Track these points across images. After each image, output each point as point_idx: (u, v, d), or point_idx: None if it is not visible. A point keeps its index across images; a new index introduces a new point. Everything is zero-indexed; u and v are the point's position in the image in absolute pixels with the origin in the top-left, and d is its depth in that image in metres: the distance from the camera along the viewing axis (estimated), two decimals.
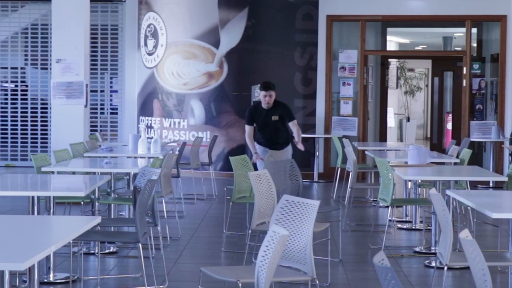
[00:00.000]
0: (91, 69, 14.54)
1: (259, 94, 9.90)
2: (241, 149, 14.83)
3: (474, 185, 11.80)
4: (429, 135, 23.57)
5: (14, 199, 10.41)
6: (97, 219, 4.77)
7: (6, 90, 16.84)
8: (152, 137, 10.06)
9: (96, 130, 15.75)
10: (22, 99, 16.76)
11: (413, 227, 9.65)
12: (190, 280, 7.05)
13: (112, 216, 8.04)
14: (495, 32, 15.67)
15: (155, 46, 15.40)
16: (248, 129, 10.11)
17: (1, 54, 16.76)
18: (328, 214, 10.59)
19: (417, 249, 8.37)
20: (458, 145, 11.50)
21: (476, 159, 14.66)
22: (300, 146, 9.90)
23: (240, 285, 4.60)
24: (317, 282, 4.77)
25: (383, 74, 16.96)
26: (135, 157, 9.47)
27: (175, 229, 9.26)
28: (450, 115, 19.19)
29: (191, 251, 7.97)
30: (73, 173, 8.10)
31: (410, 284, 6.90)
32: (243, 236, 8.95)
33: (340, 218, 9.29)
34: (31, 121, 16.73)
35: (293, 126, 10.00)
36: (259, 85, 15.10)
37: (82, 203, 8.84)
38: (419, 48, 22.47)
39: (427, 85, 25.45)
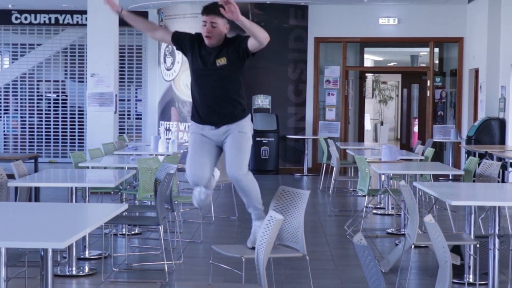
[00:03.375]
0: (120, 81, 14.54)
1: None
2: None
3: (436, 178, 11.80)
4: (399, 137, 23.56)
5: (56, 189, 10.41)
6: (125, 206, 4.77)
7: (49, 99, 16.84)
8: (170, 138, 10.07)
9: (123, 132, 15.76)
10: (62, 107, 16.76)
11: (386, 213, 9.66)
12: (202, 256, 7.05)
13: (137, 203, 8.04)
14: (454, 51, 15.68)
15: (173, 63, 15.39)
16: (166, 29, 5.68)
17: (45, 69, 16.76)
18: (316, 202, 10.61)
19: (389, 230, 8.37)
20: (423, 145, 11.50)
21: (438, 157, 14.66)
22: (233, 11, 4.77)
23: (243, 260, 4.61)
24: (308, 258, 4.78)
25: (361, 86, 16.97)
26: (156, 155, 9.46)
27: (189, 214, 9.26)
28: (417, 120, 19.18)
29: (203, 232, 7.98)
30: (105, 168, 8.10)
31: (379, 260, 6.90)
32: (248, 219, 8.96)
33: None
34: (70, 125, 16.73)
35: (251, 40, 5.20)
36: (259, 94, 15.17)
37: (112, 192, 8.85)
38: (391, 64, 22.48)
39: (397, 95, 25.45)
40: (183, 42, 5.23)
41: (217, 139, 5.18)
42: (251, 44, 5.07)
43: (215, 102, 5.13)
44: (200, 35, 5.17)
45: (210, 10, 5.01)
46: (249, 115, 5.32)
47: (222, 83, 5.10)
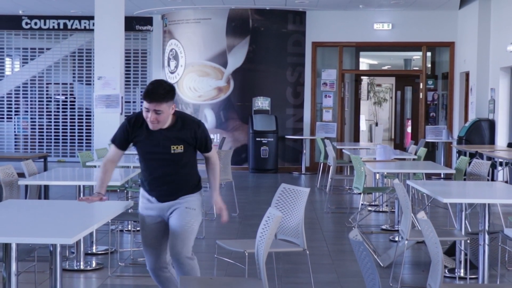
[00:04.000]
0: (125, 84, 14.53)
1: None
2: (244, 148, 14.84)
3: (428, 176, 11.80)
4: (393, 137, 23.56)
5: (64, 187, 10.41)
6: (130, 203, 4.76)
7: (58, 101, 16.84)
8: None
9: None
10: (70, 108, 16.75)
11: (381, 210, 9.66)
12: (205, 252, 7.04)
13: None
14: (445, 55, 15.68)
15: (176, 66, 15.40)
16: (112, 151, 4.49)
17: (54, 73, 16.76)
18: (313, 199, 10.61)
19: (384, 227, 8.37)
20: (416, 145, 11.51)
21: (430, 156, 14.67)
22: (223, 215, 4.62)
23: (246, 254, 4.61)
24: (307, 252, 4.78)
25: (356, 89, 16.97)
26: None
27: None
28: (410, 121, 19.18)
29: (205, 229, 7.97)
30: None
31: (378, 255, 6.89)
32: (249, 215, 8.95)
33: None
34: (78, 125, 16.73)
35: (209, 159, 4.58)
36: (258, 96, 15.17)
37: (118, 190, 8.84)
38: (385, 67, 22.48)
39: (391, 97, 25.45)
40: (128, 139, 4.40)
41: (161, 213, 4.44)
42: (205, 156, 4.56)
43: (164, 181, 4.40)
44: (141, 116, 4.37)
45: (152, 97, 4.21)
46: (200, 192, 4.58)
47: (174, 165, 4.38)
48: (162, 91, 4.20)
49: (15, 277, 3.70)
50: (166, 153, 4.33)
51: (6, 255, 3.67)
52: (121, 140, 4.39)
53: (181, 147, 4.35)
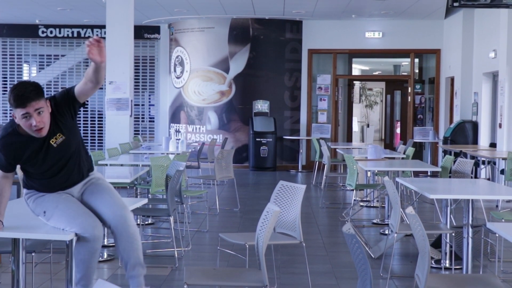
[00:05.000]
0: (135, 88, 14.53)
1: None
2: (245, 148, 14.84)
3: (416, 174, 11.81)
4: (383, 137, 23.56)
5: None
6: (144, 200, 4.72)
7: None
8: (179, 139, 10.07)
9: (138, 133, 15.75)
10: (83, 111, 16.75)
11: (372, 205, 9.66)
12: (208, 244, 7.05)
13: (150, 197, 8.04)
14: (432, 61, 15.69)
15: (182, 72, 15.40)
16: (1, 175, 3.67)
17: (69, 78, 16.76)
18: (309, 195, 10.61)
19: (375, 221, 8.37)
20: (405, 145, 11.51)
21: (418, 155, 14.67)
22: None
23: (247, 246, 4.62)
24: (304, 244, 4.79)
25: (349, 92, 16.97)
26: (167, 154, 9.47)
27: (197, 206, 9.26)
28: (399, 122, 19.18)
29: (209, 223, 7.98)
30: (122, 165, 8.11)
31: (369, 247, 6.90)
32: (249, 210, 8.95)
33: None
34: (90, 127, 16.74)
35: (82, 86, 3.76)
36: (258, 100, 15.17)
37: (128, 187, 8.84)
38: (376, 73, 22.48)
39: (381, 100, 25.45)
40: (16, 157, 3.66)
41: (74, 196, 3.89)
42: (88, 89, 3.74)
43: (67, 174, 3.82)
44: (17, 131, 3.63)
45: (27, 99, 3.47)
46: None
47: (68, 159, 3.81)
48: (31, 88, 3.50)
49: (23, 268, 3.68)
50: (56, 154, 3.71)
51: (15, 249, 3.65)
52: (7, 163, 3.62)
53: (59, 135, 3.68)
